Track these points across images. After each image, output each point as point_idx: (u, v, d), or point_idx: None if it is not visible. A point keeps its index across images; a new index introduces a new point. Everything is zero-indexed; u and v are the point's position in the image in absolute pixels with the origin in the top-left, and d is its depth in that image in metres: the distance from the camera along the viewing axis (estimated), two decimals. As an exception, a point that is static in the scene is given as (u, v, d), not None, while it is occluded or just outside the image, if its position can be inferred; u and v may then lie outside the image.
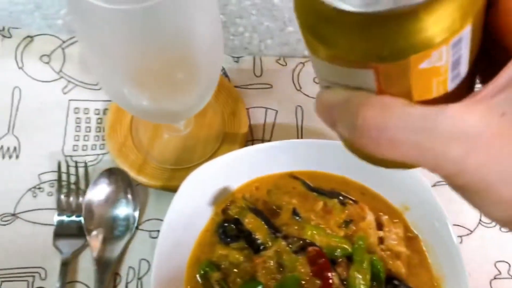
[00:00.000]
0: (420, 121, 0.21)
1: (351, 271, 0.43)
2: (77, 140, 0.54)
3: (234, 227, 0.47)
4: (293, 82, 0.58)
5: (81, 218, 0.49)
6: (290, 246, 0.44)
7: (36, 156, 0.52)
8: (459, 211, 0.51)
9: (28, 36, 0.56)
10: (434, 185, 0.52)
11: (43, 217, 0.50)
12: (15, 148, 0.52)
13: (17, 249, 0.49)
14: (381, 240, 0.47)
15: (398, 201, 0.50)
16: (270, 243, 0.45)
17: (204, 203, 0.49)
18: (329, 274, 0.42)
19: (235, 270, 0.45)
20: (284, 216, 0.47)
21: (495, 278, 0.51)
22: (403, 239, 0.48)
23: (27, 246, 0.49)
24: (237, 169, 0.49)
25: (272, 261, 0.43)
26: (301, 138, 0.56)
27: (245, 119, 0.55)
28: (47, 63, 0.55)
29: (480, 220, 0.53)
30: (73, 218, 0.49)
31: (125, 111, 0.54)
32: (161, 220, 0.50)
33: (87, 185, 0.51)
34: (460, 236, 0.52)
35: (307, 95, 0.57)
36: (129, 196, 0.50)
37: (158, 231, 0.50)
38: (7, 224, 0.50)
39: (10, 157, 0.52)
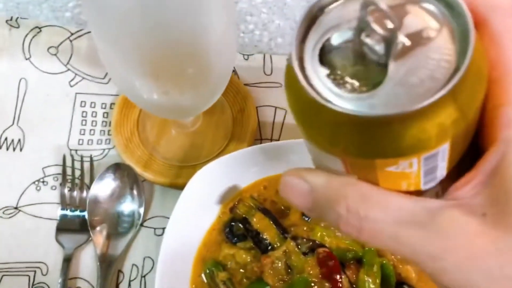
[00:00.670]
0: (399, 214, 0.21)
1: (361, 274, 0.42)
2: (83, 134, 0.53)
3: (241, 226, 0.46)
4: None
5: (85, 213, 0.48)
6: (299, 247, 0.43)
7: (41, 149, 0.51)
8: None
9: (36, 27, 0.55)
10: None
11: (46, 211, 0.49)
12: (19, 140, 0.51)
13: (18, 243, 0.48)
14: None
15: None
16: (278, 244, 0.44)
17: (211, 202, 0.48)
18: (339, 277, 0.41)
19: (241, 270, 0.44)
20: (293, 216, 0.46)
21: None
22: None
23: (29, 240, 0.48)
24: (245, 167, 0.48)
25: (280, 262, 0.42)
26: (311, 138, 0.55)
27: (254, 118, 0.54)
28: (55, 54, 0.54)
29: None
30: (77, 212, 0.48)
31: (132, 106, 0.53)
32: (166, 217, 0.50)
33: (92, 180, 0.50)
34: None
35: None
36: (135, 192, 0.49)
37: (163, 228, 0.49)
38: (10, 217, 0.49)
39: (14, 149, 0.51)
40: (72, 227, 0.48)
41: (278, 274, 0.42)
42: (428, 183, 0.22)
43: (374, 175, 0.22)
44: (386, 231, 0.21)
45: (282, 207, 0.48)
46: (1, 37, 0.54)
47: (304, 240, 0.43)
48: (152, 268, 0.48)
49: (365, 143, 0.20)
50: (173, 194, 0.51)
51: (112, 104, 0.54)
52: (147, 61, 0.37)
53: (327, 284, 0.41)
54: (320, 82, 0.20)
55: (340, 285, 0.41)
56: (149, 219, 0.50)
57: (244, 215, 0.45)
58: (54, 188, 0.50)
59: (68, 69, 0.54)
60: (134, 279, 0.48)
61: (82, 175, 0.50)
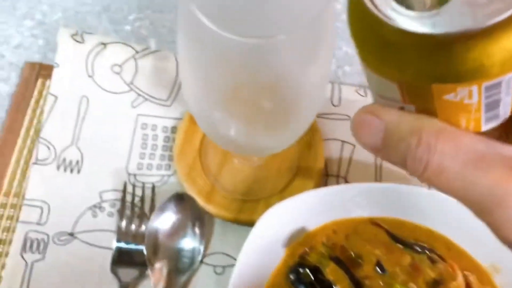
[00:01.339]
0: (471, 154, 0.21)
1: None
2: (142, 158, 0.50)
3: (310, 274, 0.43)
4: (373, 115, 0.54)
5: (143, 247, 0.45)
6: (376, 304, 0.40)
7: (99, 172, 0.49)
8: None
9: (102, 43, 0.52)
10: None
11: (101, 239, 0.47)
12: (77, 162, 0.49)
13: (72, 272, 0.46)
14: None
15: (487, 260, 0.45)
16: (352, 298, 0.41)
17: (277, 244, 0.45)
18: None
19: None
20: (366, 267, 0.43)
21: None
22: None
23: (83, 269, 0.46)
24: (313, 209, 0.46)
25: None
26: (380, 178, 0.52)
27: (321, 152, 0.51)
28: (118, 73, 0.52)
29: None
30: (134, 245, 0.46)
31: (195, 131, 0.51)
32: (227, 254, 0.47)
33: (152, 209, 0.47)
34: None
35: (388, 131, 0.53)
36: (197, 227, 0.46)
37: (223, 266, 0.47)
38: (64, 244, 0.46)
39: (72, 171, 0.49)
40: (129, 260, 0.46)
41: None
42: (489, 121, 0.22)
43: (431, 105, 0.21)
44: (453, 169, 0.21)
45: (353, 255, 0.45)
46: (65, 52, 0.52)
47: (382, 297, 0.40)
48: (210, 308, 0.46)
49: (423, 65, 0.20)
50: (234, 229, 0.48)
51: (173, 127, 0.52)
52: (235, 101, 0.34)
53: None
54: None
55: None
56: (208, 255, 0.47)
57: (316, 264, 0.43)
58: (111, 214, 0.48)
59: (131, 89, 0.52)
60: (191, 318, 0.45)
61: (142, 206, 0.47)
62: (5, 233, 0.47)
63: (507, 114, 0.22)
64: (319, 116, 0.54)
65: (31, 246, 0.46)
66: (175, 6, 0.59)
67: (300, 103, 0.36)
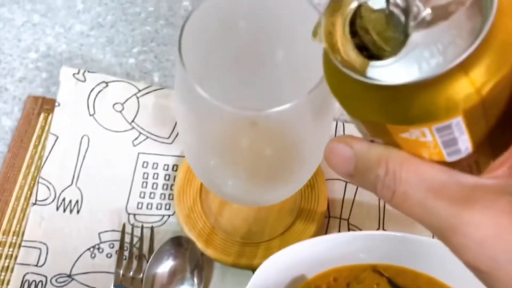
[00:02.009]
0: (432, 183, 0.22)
1: None
2: (143, 197, 0.50)
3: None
4: (377, 155, 0.53)
5: (141, 291, 0.45)
6: None
7: (98, 212, 0.49)
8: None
9: (103, 82, 0.52)
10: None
11: (100, 281, 0.47)
12: (77, 202, 0.49)
13: (69, 315, 0.46)
14: None
15: (490, 312, 0.45)
16: None
17: (277, 291, 0.44)
18: None
19: None
20: (366, 319, 0.42)
21: None
22: None
23: (81, 312, 0.46)
24: (314, 256, 0.45)
25: None
26: (383, 221, 0.51)
27: (324, 194, 0.50)
28: (120, 111, 0.52)
29: None
30: (132, 289, 0.45)
31: (195, 171, 0.50)
32: (225, 299, 0.47)
33: (150, 250, 0.47)
34: None
35: (392, 172, 0.53)
36: (196, 271, 0.46)
37: (221, 312, 0.46)
38: (62, 286, 0.46)
39: (71, 211, 0.48)
40: (127, 304, 0.45)
41: None
42: (452, 155, 0.23)
43: (393, 141, 0.23)
44: (416, 197, 0.22)
45: (353, 304, 0.44)
46: (67, 90, 0.51)
47: None
48: None
49: (375, 108, 0.21)
50: (234, 274, 0.48)
51: (174, 165, 0.51)
52: (234, 163, 0.34)
53: None
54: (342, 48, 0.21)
55: None
56: (207, 299, 0.47)
57: (315, 316, 0.42)
58: (109, 256, 0.47)
59: (133, 127, 0.51)
60: None
61: (141, 247, 0.47)
62: (3, 273, 0.47)
63: (469, 150, 0.23)
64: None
65: None
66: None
67: (301, 160, 0.35)
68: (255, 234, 0.49)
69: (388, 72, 0.20)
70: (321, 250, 0.45)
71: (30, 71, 0.56)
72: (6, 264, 0.47)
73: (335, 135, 0.54)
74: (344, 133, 0.54)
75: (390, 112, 0.21)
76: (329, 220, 0.51)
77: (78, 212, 0.49)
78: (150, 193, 0.50)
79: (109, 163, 0.50)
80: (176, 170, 0.51)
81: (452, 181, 0.22)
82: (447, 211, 0.21)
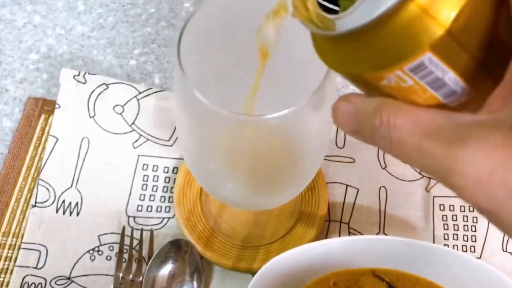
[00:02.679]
0: (426, 126, 0.21)
1: None
2: (142, 200, 0.50)
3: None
4: (378, 158, 0.53)
5: (140, 295, 0.45)
6: None
7: (98, 215, 0.49)
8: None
9: (104, 84, 0.52)
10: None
11: (99, 283, 0.46)
12: (76, 204, 0.49)
13: (69, 317, 0.45)
14: None
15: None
16: None
17: (276, 295, 0.44)
18: None
19: None
20: (366, 324, 0.42)
21: None
22: None
23: (80, 315, 0.46)
24: (313, 260, 0.45)
25: None
26: (383, 225, 0.51)
27: (325, 197, 0.50)
28: (120, 113, 0.51)
29: None
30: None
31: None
32: (224, 303, 0.47)
33: (150, 253, 0.47)
34: None
35: (393, 175, 0.52)
36: (195, 275, 0.46)
37: (220, 316, 0.46)
38: (61, 288, 0.46)
39: (71, 213, 0.48)
40: (126, 307, 0.45)
41: None
42: (449, 97, 0.22)
43: (385, 93, 0.22)
44: (411, 142, 0.22)
45: (353, 308, 0.44)
46: (67, 92, 0.51)
47: None
48: None
49: (344, 60, 0.22)
50: (233, 277, 0.48)
51: (174, 168, 0.51)
52: (234, 168, 0.34)
53: None
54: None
55: None
56: (206, 303, 0.47)
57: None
58: (109, 258, 0.47)
59: (133, 130, 0.51)
60: None
61: (140, 250, 0.47)
62: (3, 275, 0.47)
63: (465, 88, 0.22)
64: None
65: (28, 290, 0.46)
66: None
67: (300, 164, 0.35)
68: (255, 237, 0.49)
69: (350, 21, 0.21)
70: (321, 254, 0.45)
71: (31, 72, 0.56)
72: (5, 266, 0.47)
73: (336, 139, 0.54)
74: (344, 137, 0.54)
75: (358, 61, 0.21)
76: (330, 224, 0.51)
77: (77, 214, 0.48)
78: (150, 195, 0.50)
79: (109, 165, 0.50)
80: (176, 173, 0.51)
81: (447, 122, 0.21)
82: (442, 153, 0.21)
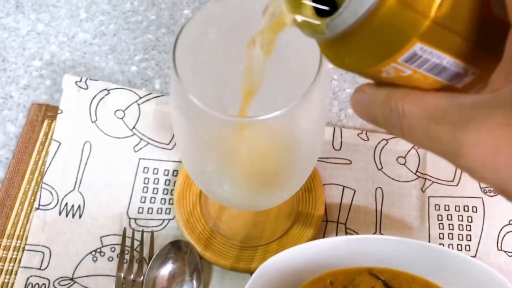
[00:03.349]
0: (433, 110, 0.22)
1: None
2: (143, 202, 0.51)
3: (305, 327, 0.43)
4: (375, 160, 0.54)
5: (141, 294, 0.46)
6: None
7: (100, 217, 0.50)
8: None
9: (105, 89, 0.53)
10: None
11: (101, 284, 0.48)
12: (79, 207, 0.50)
13: (72, 317, 0.47)
14: None
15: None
16: None
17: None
18: None
19: None
20: (361, 322, 0.43)
21: None
22: None
23: (82, 315, 0.47)
24: (310, 260, 0.46)
25: None
26: (380, 225, 0.52)
27: (321, 199, 0.51)
28: (121, 118, 0.53)
29: None
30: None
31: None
32: (224, 302, 0.48)
33: (151, 254, 0.48)
34: None
35: (389, 176, 0.53)
36: (195, 275, 0.47)
37: (220, 315, 0.47)
38: (64, 289, 0.47)
39: (74, 216, 0.49)
40: (127, 306, 0.46)
41: None
42: (454, 79, 0.23)
43: (386, 81, 0.23)
44: (420, 127, 0.22)
45: (349, 307, 0.45)
46: (69, 98, 0.53)
47: None
48: None
49: (344, 58, 0.22)
50: (232, 277, 0.49)
51: (174, 171, 0.52)
52: (230, 168, 0.35)
53: None
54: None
55: None
56: (206, 302, 0.48)
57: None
58: (111, 259, 0.48)
59: (134, 134, 0.52)
60: None
61: (141, 251, 0.48)
62: (8, 276, 0.48)
63: (469, 69, 0.22)
64: (320, 160, 0.54)
65: (32, 290, 0.47)
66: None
67: (295, 164, 0.36)
68: (254, 238, 0.50)
69: (338, 24, 0.21)
70: (317, 253, 0.46)
71: (34, 79, 0.58)
72: (10, 268, 0.48)
73: (333, 142, 0.55)
74: (341, 138, 0.55)
75: (353, 59, 0.22)
76: (327, 224, 0.52)
77: (80, 216, 0.50)
78: (151, 198, 0.51)
79: (111, 168, 0.51)
80: (176, 175, 0.52)
81: (452, 105, 0.21)
82: (449, 136, 0.21)
